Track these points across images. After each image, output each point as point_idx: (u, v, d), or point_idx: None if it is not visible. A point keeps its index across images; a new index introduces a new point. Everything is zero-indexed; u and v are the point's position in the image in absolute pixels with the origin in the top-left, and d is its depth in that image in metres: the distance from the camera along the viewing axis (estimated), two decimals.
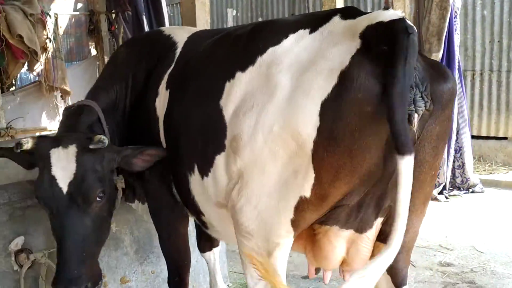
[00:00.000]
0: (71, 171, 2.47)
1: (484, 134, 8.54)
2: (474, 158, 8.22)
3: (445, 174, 6.74)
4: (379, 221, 2.17)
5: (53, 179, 2.45)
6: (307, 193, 2.02)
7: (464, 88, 7.09)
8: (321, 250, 2.24)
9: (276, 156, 2.04)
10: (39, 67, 8.04)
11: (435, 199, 6.67)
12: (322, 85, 1.93)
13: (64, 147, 2.51)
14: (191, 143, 2.47)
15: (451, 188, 6.93)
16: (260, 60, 2.17)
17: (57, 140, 2.57)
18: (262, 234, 2.15)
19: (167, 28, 3.63)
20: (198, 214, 2.68)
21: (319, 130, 1.93)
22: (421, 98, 1.90)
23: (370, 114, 1.87)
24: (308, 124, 1.94)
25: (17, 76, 8.91)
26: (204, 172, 2.41)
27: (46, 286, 3.00)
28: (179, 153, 2.57)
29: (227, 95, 2.24)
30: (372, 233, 2.18)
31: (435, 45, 6.56)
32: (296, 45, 2.09)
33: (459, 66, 6.85)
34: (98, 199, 2.52)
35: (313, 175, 1.99)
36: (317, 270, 2.55)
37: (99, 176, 2.53)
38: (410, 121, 1.88)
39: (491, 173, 7.96)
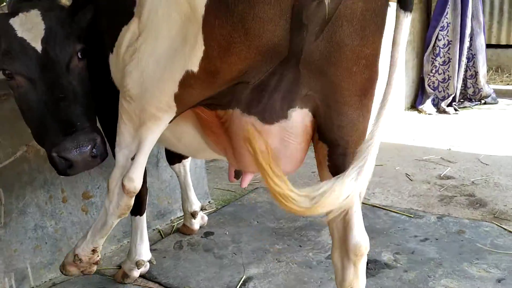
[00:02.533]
0: (40, 28, 2.23)
1: (503, 42, 7.92)
2: (491, 68, 7.71)
3: (455, 85, 6.27)
4: (300, 113, 1.86)
5: (22, 40, 2.21)
6: (195, 67, 1.75)
7: None
8: (234, 142, 1.95)
9: (170, 19, 1.78)
10: None
11: (444, 111, 6.26)
12: None
13: (25, 13, 2.25)
14: (109, 19, 2.20)
15: (461, 100, 6.49)
16: None
17: (14, 12, 2.28)
18: (142, 101, 1.96)
19: None
20: None
21: None
22: None
23: None
24: None
25: None
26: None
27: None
28: (103, 36, 2.29)
29: None
30: (291, 125, 1.87)
31: None
32: None
33: None
34: (78, 55, 2.30)
35: (203, 47, 1.70)
36: (238, 175, 2.26)
37: (73, 31, 2.32)
38: None
39: (508, 84, 7.43)
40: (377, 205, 3.85)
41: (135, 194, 2.14)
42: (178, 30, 1.76)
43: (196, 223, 3.56)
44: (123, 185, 2.11)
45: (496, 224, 3.41)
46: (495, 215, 3.56)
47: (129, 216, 2.96)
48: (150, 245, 3.41)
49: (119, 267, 3.12)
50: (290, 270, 3.04)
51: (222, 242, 3.45)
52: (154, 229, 3.72)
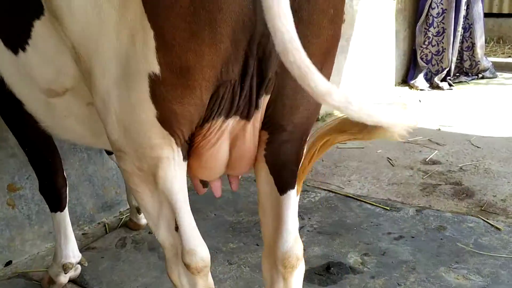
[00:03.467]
0: None
1: (506, 11, 7.36)
2: (492, 39, 7.19)
3: (450, 57, 5.76)
4: (265, 100, 1.42)
5: None
6: (155, 66, 1.25)
7: None
8: (203, 158, 1.49)
9: (102, 14, 1.25)
10: None
11: (437, 87, 5.77)
12: None
13: None
14: None
15: (457, 74, 5.99)
16: None
17: None
18: (133, 149, 1.44)
19: None
20: (16, 103, 1.93)
21: None
22: None
23: None
24: None
25: None
26: (19, 44, 1.65)
27: None
28: None
29: None
30: (259, 117, 1.45)
31: None
32: None
33: None
34: None
35: (152, 32, 1.20)
36: (205, 184, 1.82)
37: None
38: None
39: (510, 56, 6.89)
40: (350, 195, 3.42)
41: (209, 266, 1.62)
42: (117, 26, 1.26)
43: (142, 218, 3.16)
44: (187, 266, 1.59)
45: (482, 219, 2.98)
46: (482, 208, 3.13)
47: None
48: (91, 242, 3.05)
49: None
50: (240, 274, 2.64)
51: None
52: (99, 223, 3.32)
